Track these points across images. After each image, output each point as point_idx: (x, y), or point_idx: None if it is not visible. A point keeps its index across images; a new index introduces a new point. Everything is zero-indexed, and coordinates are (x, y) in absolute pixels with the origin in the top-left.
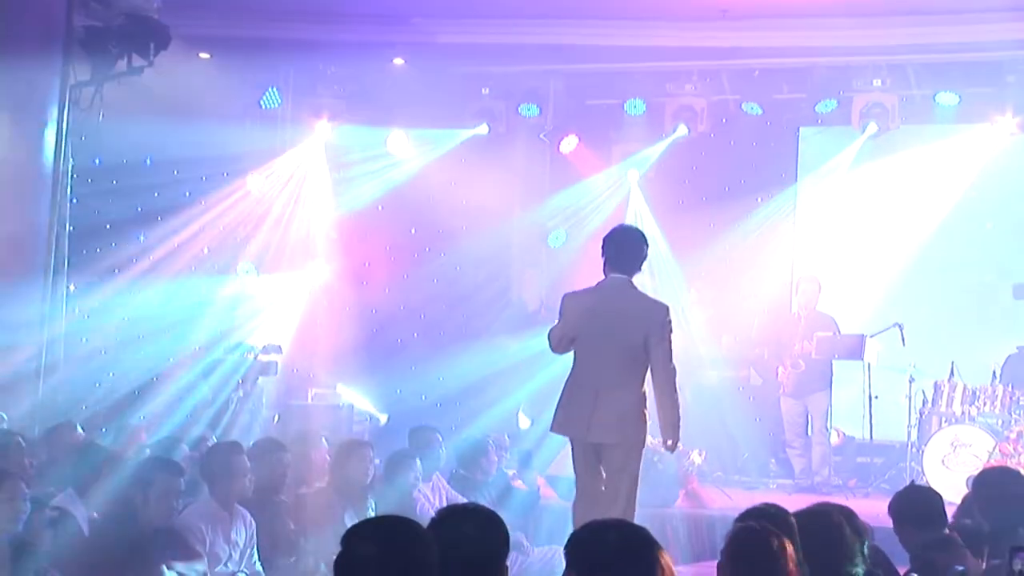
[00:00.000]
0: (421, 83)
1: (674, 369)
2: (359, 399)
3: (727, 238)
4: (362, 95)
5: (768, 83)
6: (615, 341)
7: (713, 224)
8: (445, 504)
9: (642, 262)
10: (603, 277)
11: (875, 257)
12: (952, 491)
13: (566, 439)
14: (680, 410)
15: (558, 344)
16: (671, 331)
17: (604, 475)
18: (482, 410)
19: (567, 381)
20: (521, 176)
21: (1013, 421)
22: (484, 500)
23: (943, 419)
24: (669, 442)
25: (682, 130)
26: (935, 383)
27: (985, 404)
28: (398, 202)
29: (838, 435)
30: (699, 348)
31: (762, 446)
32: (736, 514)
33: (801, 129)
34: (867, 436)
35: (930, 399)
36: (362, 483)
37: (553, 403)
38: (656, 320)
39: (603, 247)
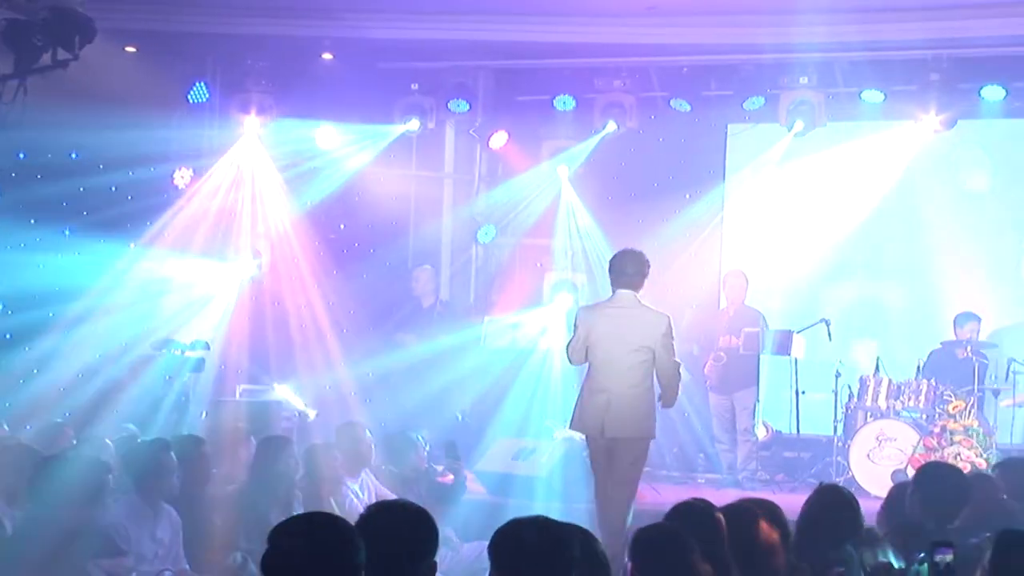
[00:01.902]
0: (350, 78)
1: (678, 365)
2: (288, 395)
3: (656, 234)
4: (291, 90)
5: (696, 80)
6: (625, 348)
7: (642, 220)
8: (373, 499)
9: (644, 278)
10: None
11: (802, 253)
12: (877, 485)
13: (495, 434)
14: (678, 387)
15: (575, 354)
16: (673, 337)
17: (613, 473)
18: (412, 405)
19: (583, 385)
20: (450, 171)
21: (936, 415)
22: (413, 495)
23: (868, 414)
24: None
25: (611, 126)
26: (860, 378)
27: (909, 399)
28: (327, 197)
29: (766, 430)
30: None
31: (691, 441)
32: (664, 510)
33: (729, 126)
34: (795, 431)
35: (856, 394)
36: (288, 480)
37: (489, 398)
38: (660, 329)
39: (610, 267)
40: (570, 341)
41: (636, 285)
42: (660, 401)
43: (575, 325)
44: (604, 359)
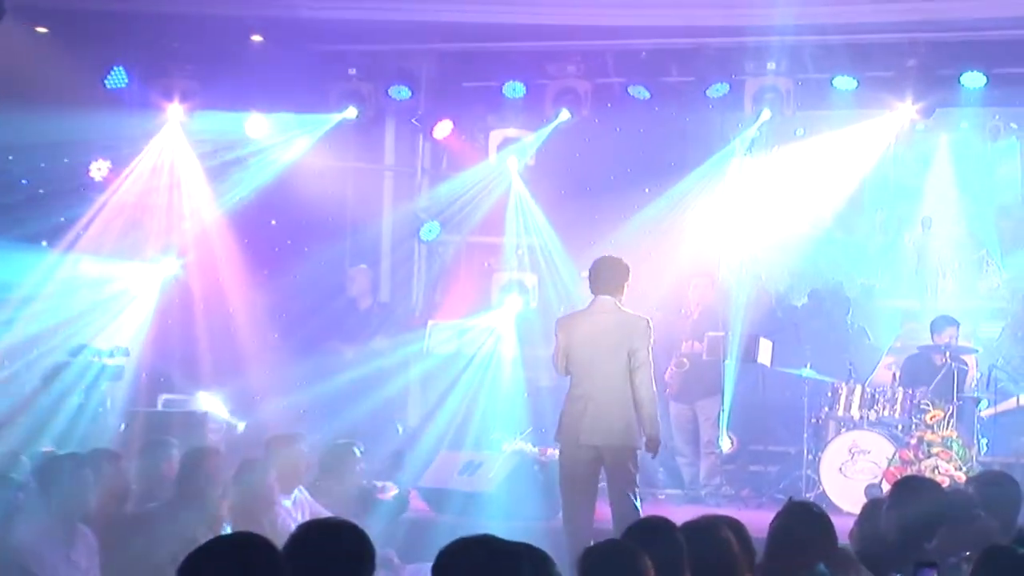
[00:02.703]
0: (282, 62)
1: (650, 366)
2: (214, 405)
3: (614, 232)
4: (217, 75)
5: (656, 65)
6: (604, 353)
7: (598, 217)
8: (307, 517)
9: (624, 284)
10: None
11: (770, 253)
12: (850, 501)
13: (439, 448)
14: (656, 407)
15: (560, 366)
16: (650, 339)
17: (611, 489)
18: (348, 416)
19: (568, 395)
20: (391, 163)
21: (913, 426)
22: (350, 513)
23: (841, 424)
24: (649, 437)
25: (564, 115)
26: (832, 385)
27: (884, 408)
28: (257, 191)
29: (731, 442)
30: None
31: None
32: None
33: (691, 114)
34: (762, 443)
35: (827, 402)
36: (214, 496)
37: (432, 408)
38: (637, 331)
39: (589, 276)
40: (553, 352)
41: (616, 291)
42: (643, 431)
43: (555, 335)
44: (583, 366)
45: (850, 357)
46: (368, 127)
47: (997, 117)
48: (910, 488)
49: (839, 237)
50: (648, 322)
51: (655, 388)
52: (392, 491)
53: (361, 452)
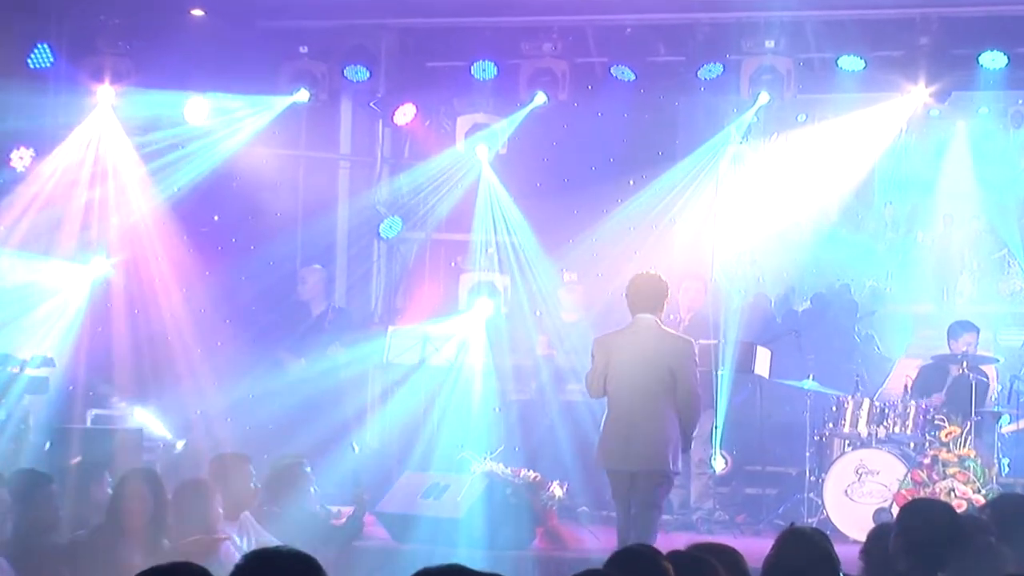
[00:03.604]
0: (225, 39)
1: (699, 396)
2: (150, 421)
3: (595, 228)
4: (153, 53)
5: (642, 43)
6: (645, 376)
7: (578, 211)
8: (254, 546)
9: (664, 301)
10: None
11: (770, 252)
12: (856, 527)
13: (400, 469)
14: (694, 426)
15: (596, 387)
16: (696, 364)
17: (632, 507)
18: (300, 434)
19: (606, 417)
20: (347, 152)
21: (927, 444)
22: (300, 540)
23: (847, 442)
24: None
25: (540, 98)
26: (837, 399)
27: (895, 424)
28: (198, 183)
29: (725, 462)
30: (569, 358)
31: None
32: (603, 556)
33: (681, 98)
34: (760, 463)
35: (831, 418)
36: (152, 522)
37: (393, 424)
38: (682, 354)
39: (627, 293)
40: (588, 372)
41: (656, 309)
42: (680, 428)
43: (592, 356)
44: (623, 388)
45: (857, 368)
46: (322, 111)
47: (1021, 102)
48: (919, 512)
49: (845, 235)
50: (693, 344)
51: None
52: (347, 516)
53: (313, 473)
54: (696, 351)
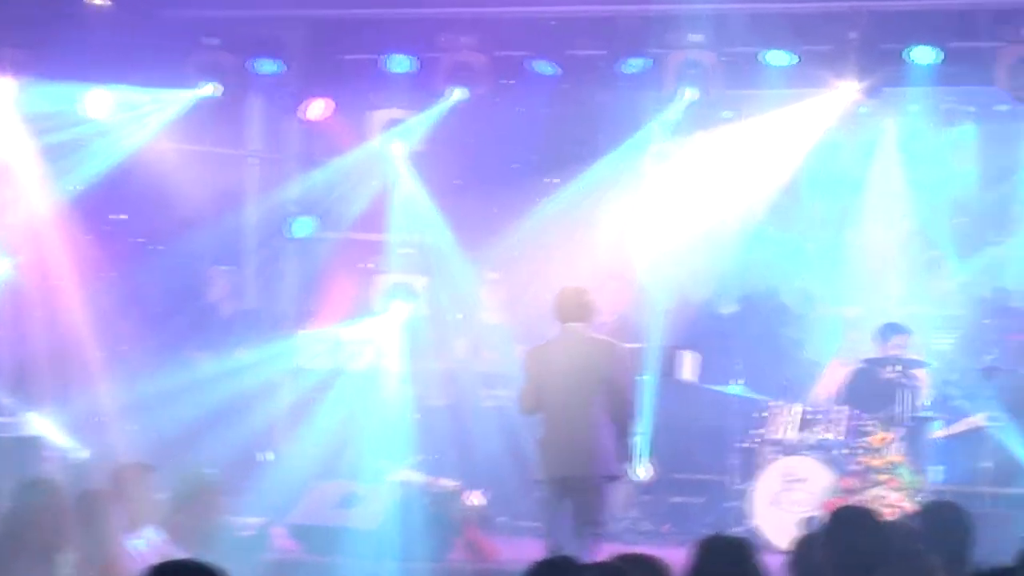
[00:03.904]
0: (128, 29)
1: (633, 402)
2: (50, 429)
3: (516, 228)
4: (51, 43)
5: (564, 36)
6: (579, 384)
7: (498, 210)
8: (160, 560)
9: (591, 309)
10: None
11: (695, 252)
12: (784, 536)
13: (312, 479)
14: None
15: (527, 402)
16: (628, 368)
17: (575, 518)
18: (208, 442)
19: (542, 428)
20: (257, 148)
21: (857, 450)
22: (207, 553)
23: (775, 449)
24: (623, 470)
25: (458, 93)
26: (765, 404)
27: (824, 430)
28: (100, 180)
29: (650, 470)
30: (491, 361)
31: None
32: (520, 569)
33: (604, 93)
34: (686, 471)
35: (759, 424)
36: (49, 535)
37: (305, 431)
38: (614, 360)
39: (554, 307)
40: (521, 388)
41: (585, 318)
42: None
43: (524, 370)
44: (558, 398)
45: (785, 373)
46: (230, 106)
47: (951, 99)
48: (846, 521)
49: (773, 234)
50: (624, 348)
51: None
52: (259, 528)
53: (221, 483)
54: (627, 355)
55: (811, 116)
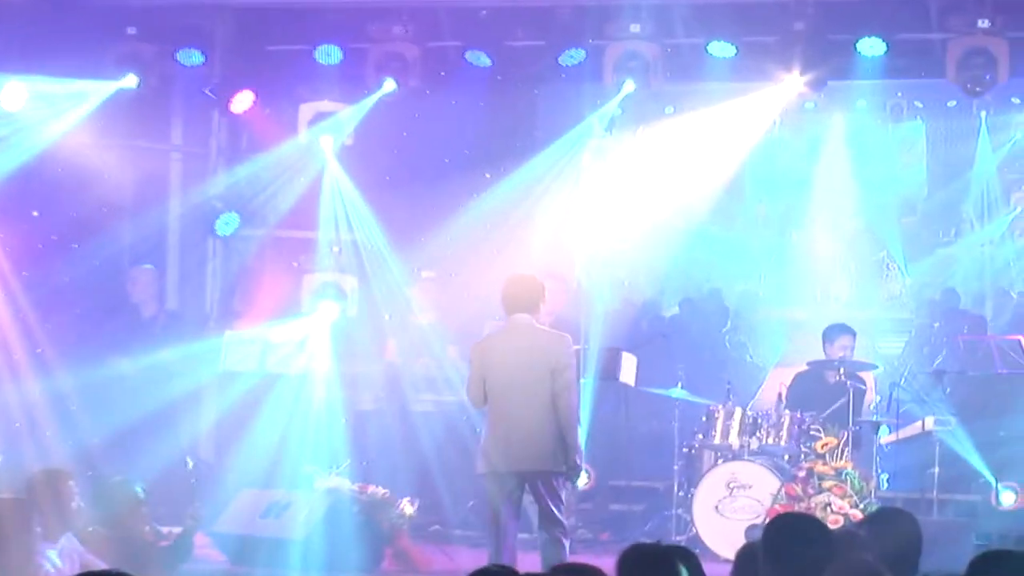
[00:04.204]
0: (44, 18)
1: (576, 396)
2: None
3: (449, 225)
4: None
5: (499, 27)
6: (525, 377)
7: (431, 207)
8: (77, 570)
9: (540, 302)
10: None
11: (635, 252)
12: (727, 545)
13: (238, 486)
14: (578, 433)
15: (476, 394)
16: (573, 358)
17: (539, 513)
18: (129, 448)
19: (486, 422)
20: (179, 142)
21: (802, 455)
22: (127, 564)
23: (717, 454)
24: (569, 465)
25: (389, 85)
26: (707, 408)
27: (768, 435)
28: (15, 174)
29: (588, 476)
30: (422, 363)
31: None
32: None
33: (541, 86)
34: (625, 477)
35: (701, 429)
36: None
37: (229, 437)
38: (559, 350)
39: (502, 297)
40: (467, 380)
41: (532, 309)
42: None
43: (470, 362)
44: (503, 389)
45: (728, 376)
46: (151, 98)
47: (900, 94)
48: (787, 529)
49: (716, 233)
50: (569, 340)
51: (579, 412)
52: (181, 537)
53: (143, 491)
54: (572, 347)
55: (755, 111)
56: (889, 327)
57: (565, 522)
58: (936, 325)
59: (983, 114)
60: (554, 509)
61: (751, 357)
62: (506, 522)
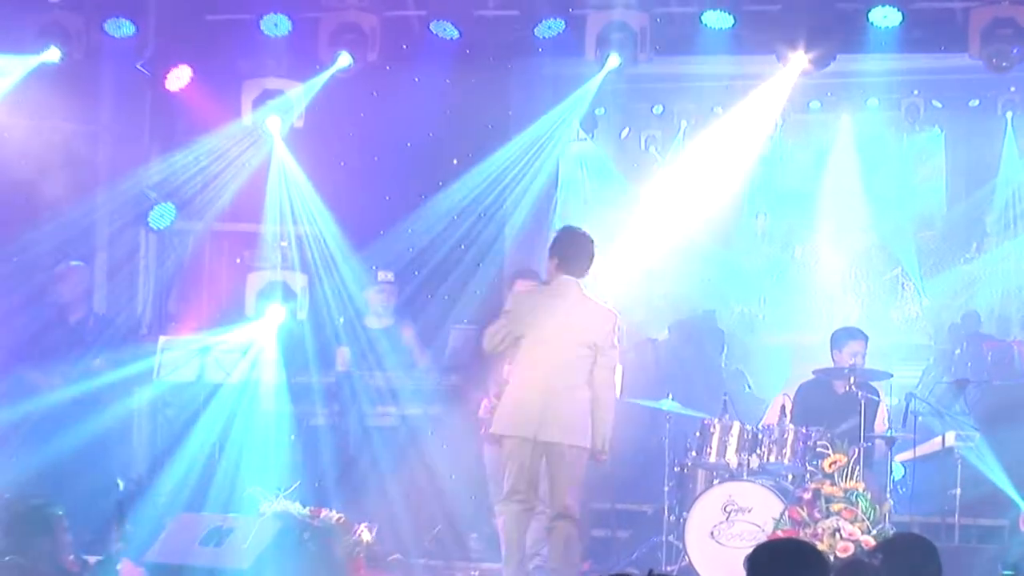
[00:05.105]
0: None
1: (617, 368)
2: None
3: (413, 218)
4: None
5: None
6: (566, 344)
7: (391, 197)
8: None
9: (589, 267)
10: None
11: (621, 247)
12: (724, 575)
13: (174, 510)
14: (612, 416)
15: (500, 342)
16: (618, 337)
17: (552, 488)
18: (51, 468)
19: (514, 380)
20: (109, 125)
21: (808, 475)
22: None
23: (713, 474)
24: (598, 448)
25: (344, 60)
26: (702, 422)
27: (770, 452)
28: None
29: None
30: (377, 373)
31: (459, 514)
32: None
33: (515, 60)
34: (608, 500)
35: (695, 445)
36: None
37: (164, 455)
38: (606, 326)
39: (553, 247)
40: (494, 324)
41: (581, 273)
42: (593, 443)
43: (507, 309)
44: (540, 352)
45: (725, 388)
46: (76, 74)
47: (916, 92)
48: (779, 557)
49: (711, 249)
50: (617, 317)
51: (618, 393)
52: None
53: (66, 516)
54: (620, 325)
55: (755, 113)
56: (906, 354)
57: (576, 505)
58: (957, 352)
59: (1009, 115)
60: (570, 488)
61: (750, 388)
62: (524, 485)
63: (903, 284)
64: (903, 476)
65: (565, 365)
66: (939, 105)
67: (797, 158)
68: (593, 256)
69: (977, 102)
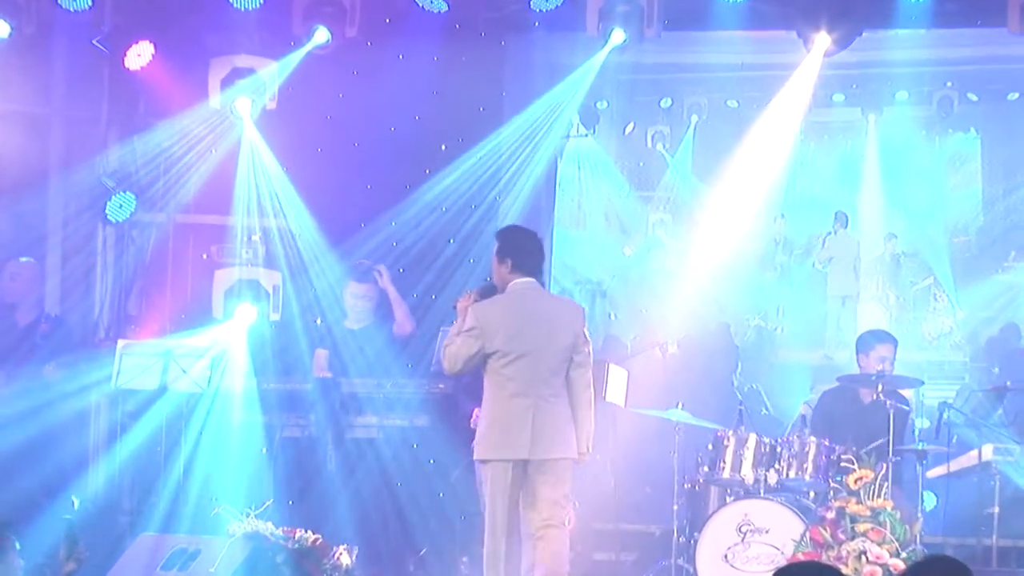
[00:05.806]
0: None
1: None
2: None
3: (396, 210)
4: None
5: None
6: (545, 349)
7: (373, 186)
8: None
9: (543, 261)
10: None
11: (621, 242)
12: None
13: (135, 531)
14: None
15: (467, 360)
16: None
17: (539, 502)
18: (3, 486)
19: (494, 399)
20: (61, 106)
21: (831, 492)
22: None
23: (727, 491)
24: (585, 450)
25: (321, 35)
26: (715, 434)
27: (790, 467)
28: None
29: (568, 517)
30: (356, 381)
31: (449, 537)
32: None
33: (510, 36)
34: (612, 520)
35: (707, 459)
36: None
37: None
38: (579, 321)
39: (500, 250)
40: (458, 343)
41: (535, 271)
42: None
43: (472, 326)
44: (520, 365)
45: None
46: (27, 51)
47: (949, 84)
48: None
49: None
50: (585, 310)
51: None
52: None
53: (16, 538)
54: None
55: (777, 115)
56: (938, 373)
57: (564, 514)
58: (996, 370)
59: None
60: (563, 497)
61: (767, 409)
62: (510, 513)
63: (935, 295)
64: (935, 504)
65: (549, 373)
66: (975, 98)
67: (819, 163)
68: (543, 252)
69: (1016, 95)
